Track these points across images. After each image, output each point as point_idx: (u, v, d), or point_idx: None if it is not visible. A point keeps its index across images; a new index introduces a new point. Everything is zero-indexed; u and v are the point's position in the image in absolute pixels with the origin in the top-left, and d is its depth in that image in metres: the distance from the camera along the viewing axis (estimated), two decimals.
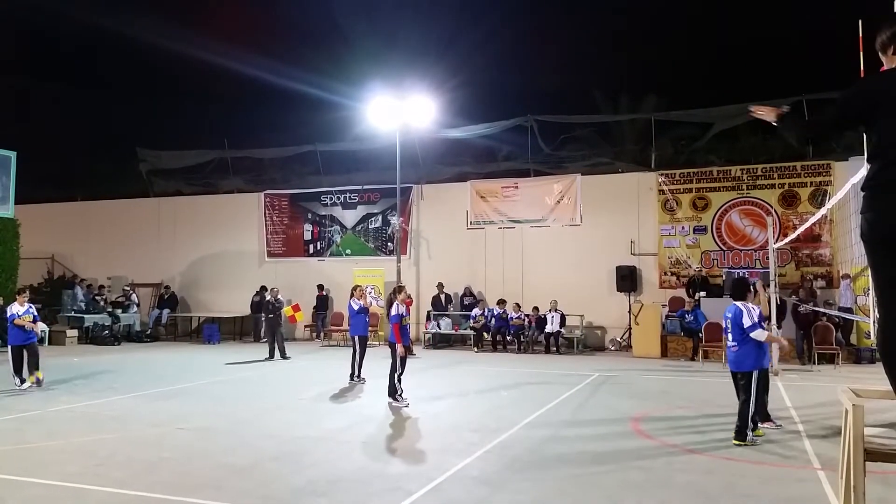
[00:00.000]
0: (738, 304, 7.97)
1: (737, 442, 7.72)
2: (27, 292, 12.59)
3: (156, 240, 23.68)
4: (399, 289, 10.85)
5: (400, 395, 10.12)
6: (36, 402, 10.41)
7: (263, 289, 19.57)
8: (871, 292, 3.36)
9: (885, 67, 3.01)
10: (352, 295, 12.96)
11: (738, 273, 16.95)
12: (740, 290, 8.17)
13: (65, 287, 22.26)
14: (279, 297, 16.90)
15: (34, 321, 11.90)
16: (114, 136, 28.38)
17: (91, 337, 20.20)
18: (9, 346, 11.71)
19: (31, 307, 12.00)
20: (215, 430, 8.59)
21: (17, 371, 11.56)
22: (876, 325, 3.08)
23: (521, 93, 26.24)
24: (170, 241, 23.53)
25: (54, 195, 25.14)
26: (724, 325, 8.50)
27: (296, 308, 17.83)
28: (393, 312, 10.42)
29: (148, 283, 23.14)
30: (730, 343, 7.99)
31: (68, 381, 12.31)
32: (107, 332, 20.28)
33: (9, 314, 11.77)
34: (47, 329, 12.97)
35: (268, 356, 16.16)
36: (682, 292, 17.59)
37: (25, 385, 11.46)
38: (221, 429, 8.65)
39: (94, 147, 27.94)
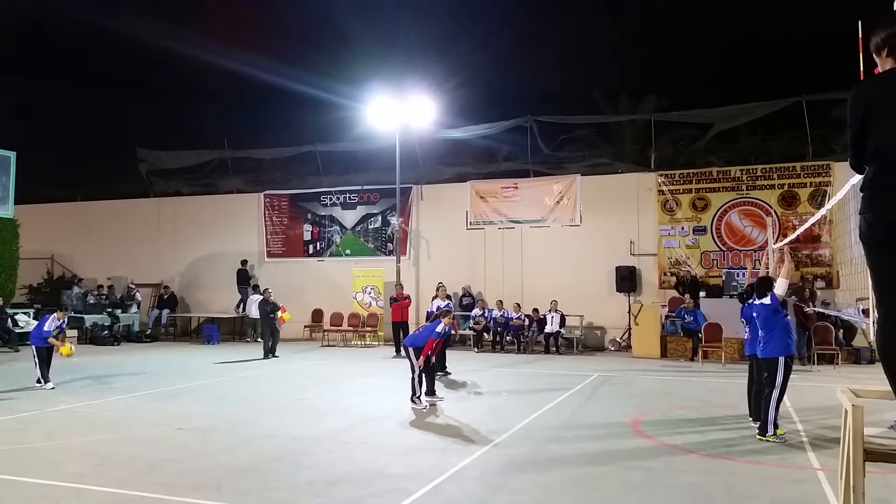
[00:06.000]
0: (764, 300, 8.05)
1: (760, 437, 7.75)
2: (69, 310, 13.06)
3: (155, 240, 23.68)
4: (445, 313, 10.69)
5: (417, 397, 10.10)
6: (35, 402, 10.41)
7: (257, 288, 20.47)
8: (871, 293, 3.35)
9: (879, 69, 3.04)
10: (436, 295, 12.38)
11: (738, 273, 17.01)
12: (764, 288, 8.20)
13: (64, 287, 22.25)
14: (272, 298, 17.08)
15: (61, 334, 12.21)
16: (113, 137, 28.43)
17: (90, 337, 20.19)
18: (34, 347, 11.89)
19: (63, 322, 12.27)
20: (215, 430, 8.59)
21: (43, 371, 11.77)
22: (875, 325, 3.09)
23: (520, 93, 26.29)
24: (169, 242, 23.52)
25: (54, 195, 25.14)
26: (747, 325, 8.59)
27: (283, 309, 17.94)
28: (438, 329, 10.22)
29: (147, 284, 23.12)
30: (759, 336, 8.03)
31: (67, 381, 12.29)
32: (106, 332, 20.27)
33: (46, 328, 11.94)
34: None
35: (271, 355, 16.33)
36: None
37: (50, 385, 11.62)
38: (221, 429, 8.65)
39: (94, 147, 27.99)
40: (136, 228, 23.89)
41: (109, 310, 21.14)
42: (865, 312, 15.03)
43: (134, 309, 21.71)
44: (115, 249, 23.78)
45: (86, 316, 20.52)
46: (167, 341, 21.26)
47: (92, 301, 21.31)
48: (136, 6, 33.25)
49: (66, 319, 12.51)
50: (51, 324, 11.95)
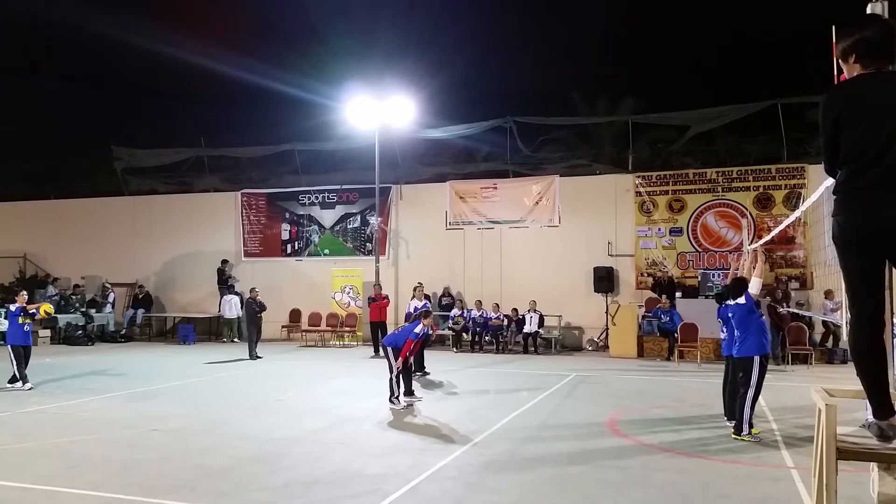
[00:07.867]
0: (739, 300, 8.15)
1: (735, 437, 7.84)
2: (24, 292, 12.63)
3: (130, 239, 23.36)
4: (426, 314, 10.68)
5: (396, 397, 10.07)
6: (5, 403, 10.23)
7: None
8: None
9: (846, 75, 3.11)
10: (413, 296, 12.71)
11: (714, 274, 17.19)
12: (739, 288, 8.30)
13: (37, 286, 21.89)
14: (259, 298, 16.88)
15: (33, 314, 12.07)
16: (88, 134, 28.01)
17: (64, 337, 19.89)
18: (10, 347, 11.70)
19: (25, 305, 12.00)
20: (191, 431, 8.51)
21: (21, 371, 11.58)
22: (848, 326, 3.15)
23: (500, 94, 26.33)
24: (144, 241, 23.22)
25: (26, 193, 24.73)
26: (723, 325, 8.69)
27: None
28: (416, 330, 10.21)
29: (122, 283, 22.81)
30: (735, 336, 8.13)
31: (41, 382, 12.09)
32: (80, 332, 19.98)
33: (14, 308, 11.77)
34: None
35: (256, 356, 16.13)
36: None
37: (28, 385, 11.46)
38: (198, 430, 8.57)
39: (68, 144, 27.52)
40: (111, 227, 23.56)
41: (83, 309, 20.84)
42: (836, 311, 15.35)
43: (108, 308, 21.41)
44: (89, 248, 23.44)
45: (59, 315, 20.19)
46: (142, 341, 21.00)
47: (66, 300, 20.98)
48: (112, 4, 32.80)
49: (26, 300, 12.16)
50: (16, 309, 11.77)
